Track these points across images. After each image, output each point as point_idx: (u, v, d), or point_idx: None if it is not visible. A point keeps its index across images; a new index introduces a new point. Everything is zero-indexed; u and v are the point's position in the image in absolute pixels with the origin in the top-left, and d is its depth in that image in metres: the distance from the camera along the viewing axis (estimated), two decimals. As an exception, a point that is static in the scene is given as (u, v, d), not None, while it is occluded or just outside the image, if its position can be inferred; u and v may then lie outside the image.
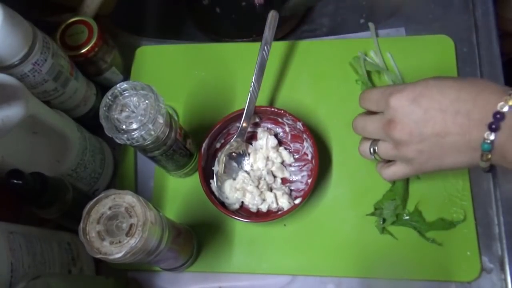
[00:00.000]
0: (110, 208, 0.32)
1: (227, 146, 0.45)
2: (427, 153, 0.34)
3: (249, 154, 0.47)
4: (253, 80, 0.45)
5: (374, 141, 0.37)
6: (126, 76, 0.54)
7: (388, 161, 0.38)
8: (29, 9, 0.49)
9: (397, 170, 0.37)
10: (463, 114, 0.31)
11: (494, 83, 0.32)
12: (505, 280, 0.41)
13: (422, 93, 0.33)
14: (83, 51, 0.46)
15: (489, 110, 0.30)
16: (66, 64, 0.43)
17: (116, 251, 0.30)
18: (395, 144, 0.34)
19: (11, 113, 0.35)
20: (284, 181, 0.47)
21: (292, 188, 0.46)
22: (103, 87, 0.51)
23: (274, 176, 0.46)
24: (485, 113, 0.30)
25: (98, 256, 0.30)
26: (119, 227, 0.31)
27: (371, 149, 0.37)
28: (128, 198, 0.32)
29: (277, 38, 0.54)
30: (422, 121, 0.33)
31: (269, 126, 0.48)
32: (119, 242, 0.31)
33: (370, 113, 0.37)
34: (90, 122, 0.47)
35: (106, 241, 0.31)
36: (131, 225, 0.31)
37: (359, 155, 0.46)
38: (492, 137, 0.30)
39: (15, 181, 0.34)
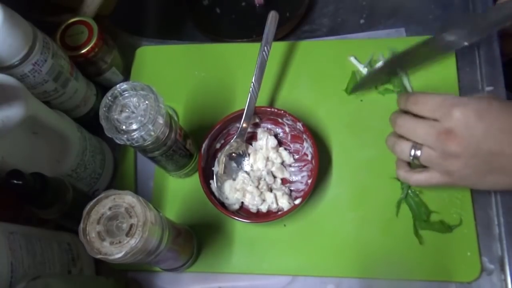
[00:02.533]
0: (110, 209, 0.32)
1: (227, 147, 0.45)
2: (472, 169, 0.34)
3: (249, 155, 0.47)
4: (253, 80, 0.45)
5: (417, 144, 0.36)
6: (126, 77, 0.54)
7: (409, 164, 0.38)
8: (29, 9, 0.49)
9: (430, 178, 0.37)
10: None
11: None
12: (505, 280, 0.41)
13: (486, 110, 0.33)
14: (83, 51, 0.46)
15: None
16: (66, 65, 0.43)
17: (116, 251, 0.30)
18: (444, 155, 0.34)
19: (11, 113, 0.35)
20: (284, 181, 0.47)
21: (292, 188, 0.46)
22: (103, 88, 0.51)
23: (274, 177, 0.46)
24: None
25: (98, 256, 0.30)
26: (119, 227, 0.31)
27: (412, 152, 0.36)
28: (128, 199, 0.32)
29: (277, 38, 0.54)
30: (481, 137, 0.33)
31: (269, 126, 0.48)
32: (119, 242, 0.31)
33: (412, 115, 0.37)
34: (90, 122, 0.47)
35: (106, 241, 0.31)
36: (131, 226, 0.31)
37: (359, 155, 0.47)
38: None
39: (15, 181, 0.34)
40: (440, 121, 0.34)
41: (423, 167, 0.37)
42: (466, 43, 0.42)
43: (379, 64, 0.47)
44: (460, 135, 0.33)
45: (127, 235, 0.31)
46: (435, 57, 0.46)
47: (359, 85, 0.47)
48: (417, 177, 0.38)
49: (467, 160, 0.33)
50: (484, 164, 0.33)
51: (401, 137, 0.38)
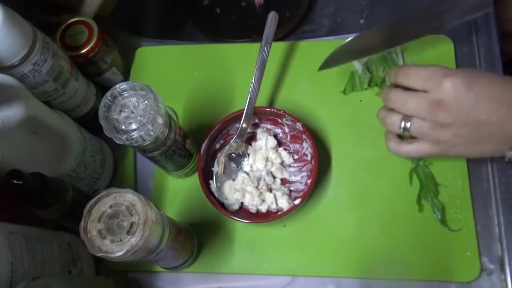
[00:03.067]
0: (111, 207, 0.32)
1: (227, 147, 0.45)
2: (461, 138, 0.35)
3: (248, 155, 0.47)
4: (253, 80, 0.45)
5: (407, 117, 0.37)
6: (126, 77, 0.54)
7: (399, 136, 0.38)
8: (29, 9, 0.49)
9: (420, 148, 0.37)
10: (506, 106, 0.33)
11: None
12: (505, 280, 0.41)
13: (475, 80, 0.34)
14: (83, 51, 0.46)
15: None
16: (66, 65, 0.43)
17: (117, 249, 0.30)
18: (434, 125, 0.35)
19: (11, 113, 0.35)
20: (283, 181, 0.47)
21: (291, 188, 0.46)
22: (103, 88, 0.51)
23: (274, 177, 0.46)
24: None
25: (99, 254, 0.30)
26: (120, 225, 0.31)
27: (402, 124, 0.37)
28: (129, 197, 0.32)
29: (277, 38, 0.54)
30: (471, 107, 0.33)
31: (269, 126, 0.48)
32: (120, 240, 0.31)
33: (404, 88, 0.37)
34: (90, 122, 0.47)
35: (107, 239, 0.31)
36: (132, 224, 0.31)
37: (358, 156, 0.47)
38: None
39: (15, 181, 0.34)
40: (430, 92, 0.35)
41: (413, 138, 0.38)
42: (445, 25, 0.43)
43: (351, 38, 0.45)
44: (450, 105, 0.34)
45: (128, 233, 0.31)
46: (419, 34, 0.45)
47: (328, 61, 0.45)
48: (407, 148, 0.38)
49: (456, 129, 0.34)
50: (473, 132, 0.34)
51: (392, 110, 0.38)
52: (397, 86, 0.39)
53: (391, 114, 0.38)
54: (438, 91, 0.34)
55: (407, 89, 0.37)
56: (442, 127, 0.35)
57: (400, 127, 0.38)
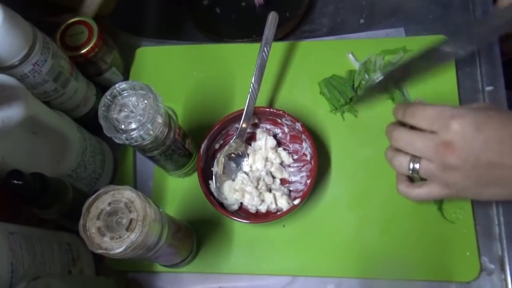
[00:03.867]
0: (109, 204, 0.32)
1: (226, 147, 0.45)
2: (472, 181, 0.34)
3: (248, 155, 0.47)
4: (253, 80, 0.45)
5: (415, 158, 0.36)
6: (126, 77, 0.54)
7: (409, 178, 0.37)
8: (29, 9, 0.49)
9: (431, 191, 0.36)
10: None
11: None
12: (505, 280, 0.41)
13: (484, 122, 0.33)
14: (83, 51, 0.46)
15: None
16: (66, 65, 0.43)
17: (117, 246, 0.31)
18: (443, 167, 0.34)
19: (11, 113, 0.35)
20: (283, 181, 0.47)
21: (291, 188, 0.46)
22: (103, 88, 0.51)
23: (273, 177, 0.46)
24: None
25: (99, 251, 0.30)
26: (119, 222, 0.31)
27: (411, 165, 0.36)
28: (127, 194, 0.32)
29: (277, 38, 0.54)
30: (480, 149, 0.32)
31: (268, 126, 0.48)
32: (120, 237, 0.31)
33: (409, 126, 0.36)
34: (90, 122, 0.47)
35: (107, 236, 0.31)
36: (131, 220, 0.31)
37: (358, 156, 0.47)
38: None
39: (15, 181, 0.34)
40: (438, 133, 0.34)
41: (423, 180, 0.37)
42: (462, 53, 0.41)
43: (376, 80, 0.45)
44: (458, 147, 0.33)
45: (127, 230, 0.31)
46: (433, 68, 0.45)
47: (358, 99, 0.46)
48: (418, 191, 0.37)
49: (466, 172, 0.33)
50: (484, 175, 0.33)
51: (398, 150, 0.37)
52: (402, 123, 0.37)
53: (399, 155, 0.37)
54: (445, 133, 0.33)
55: (413, 127, 0.36)
56: (451, 169, 0.33)
57: (409, 169, 0.36)
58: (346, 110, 0.48)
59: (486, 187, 0.34)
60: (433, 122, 0.34)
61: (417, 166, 0.36)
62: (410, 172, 0.36)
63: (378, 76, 0.47)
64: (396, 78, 0.43)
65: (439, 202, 0.43)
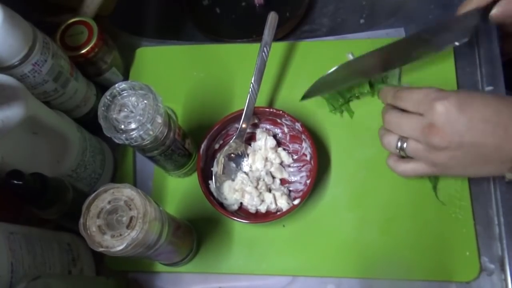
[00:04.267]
0: (109, 202, 0.32)
1: (226, 147, 0.45)
2: (457, 160, 0.34)
3: (248, 155, 0.47)
4: (253, 81, 0.45)
5: (403, 138, 0.37)
6: (126, 77, 0.54)
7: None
8: (29, 9, 0.49)
9: (417, 168, 0.38)
10: (501, 127, 0.32)
11: None
12: (505, 280, 0.41)
13: (467, 102, 0.33)
14: (83, 51, 0.46)
15: None
16: (66, 65, 0.43)
17: (118, 244, 0.31)
18: (429, 148, 0.35)
19: (11, 113, 0.35)
20: (283, 181, 0.47)
21: (291, 188, 0.46)
22: (103, 88, 0.51)
23: (273, 177, 0.46)
24: None
25: (100, 249, 0.30)
26: (119, 221, 0.31)
27: (399, 144, 0.38)
28: (127, 192, 0.32)
29: (277, 38, 0.54)
30: (464, 129, 0.33)
31: (268, 127, 0.48)
32: (120, 235, 0.31)
33: (400, 109, 0.37)
34: (90, 122, 0.47)
35: (107, 235, 0.31)
36: (131, 218, 0.31)
37: (358, 156, 0.47)
38: None
39: (15, 181, 0.34)
40: (424, 115, 0.35)
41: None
42: (456, 43, 0.44)
43: (333, 68, 0.44)
44: (442, 128, 0.34)
45: (127, 227, 0.31)
46: (420, 56, 0.46)
47: (311, 90, 0.46)
48: (404, 167, 0.39)
49: (452, 152, 0.34)
50: (469, 155, 0.34)
51: (389, 130, 0.39)
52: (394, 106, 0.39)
53: (388, 134, 0.39)
54: (430, 115, 0.34)
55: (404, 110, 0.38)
56: (437, 149, 0.35)
57: (397, 147, 0.38)
58: (345, 109, 0.48)
59: (471, 165, 0.35)
60: (419, 104, 0.36)
61: (404, 145, 0.37)
62: (398, 150, 0.38)
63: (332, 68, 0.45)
64: (360, 67, 0.45)
65: (434, 181, 0.44)
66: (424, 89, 0.36)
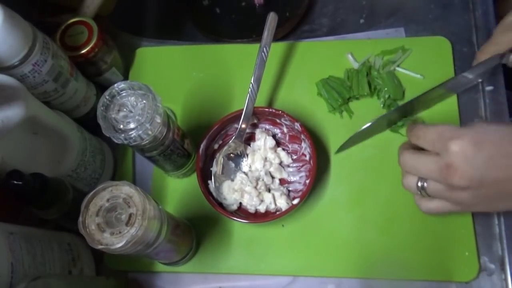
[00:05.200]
0: (108, 200, 0.32)
1: (225, 147, 0.46)
2: (481, 198, 0.33)
3: (247, 155, 0.47)
4: (252, 81, 0.45)
5: (423, 178, 0.36)
6: (126, 77, 0.54)
7: None
8: (29, 10, 0.49)
9: (441, 207, 0.36)
10: None
11: None
12: (505, 280, 0.41)
13: (483, 138, 0.32)
14: (83, 51, 0.46)
15: None
16: (66, 65, 0.43)
17: (117, 241, 0.31)
18: (450, 188, 0.34)
19: (11, 113, 0.35)
20: (282, 181, 0.47)
21: (290, 188, 0.46)
22: (103, 88, 0.50)
23: (272, 177, 0.46)
24: None
25: (99, 247, 0.31)
26: (118, 218, 0.31)
27: (419, 184, 0.36)
28: (125, 189, 0.32)
29: (277, 38, 0.54)
30: (484, 167, 0.32)
31: (267, 127, 0.48)
32: (120, 232, 0.31)
33: (417, 147, 0.36)
34: (90, 122, 0.47)
35: (107, 232, 0.31)
36: (130, 215, 0.31)
37: (357, 156, 0.47)
38: None
39: (15, 182, 0.34)
40: (440, 155, 0.34)
41: None
42: (480, 80, 0.45)
43: (368, 123, 0.45)
44: (460, 168, 0.32)
45: (127, 224, 0.31)
46: (441, 98, 0.47)
47: (347, 143, 0.46)
48: (428, 205, 0.37)
49: (474, 191, 0.33)
50: (493, 192, 0.33)
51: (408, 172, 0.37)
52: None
53: (407, 175, 0.37)
54: (447, 155, 0.33)
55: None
56: (458, 189, 0.33)
57: (418, 189, 0.36)
58: (344, 109, 0.48)
59: (497, 201, 0.34)
60: (434, 144, 0.34)
61: (425, 185, 0.36)
62: (419, 192, 0.36)
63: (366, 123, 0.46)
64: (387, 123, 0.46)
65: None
66: (439, 128, 0.34)
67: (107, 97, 0.36)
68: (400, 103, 0.48)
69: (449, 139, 0.33)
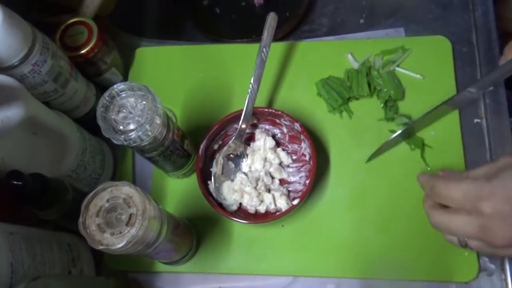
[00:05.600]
0: (108, 201, 0.32)
1: (225, 148, 0.46)
2: None
3: (247, 156, 0.47)
4: (252, 81, 0.45)
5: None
6: (126, 77, 0.54)
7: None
8: (29, 10, 0.50)
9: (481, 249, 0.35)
10: None
11: None
12: (505, 280, 0.41)
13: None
14: (82, 52, 0.46)
15: None
16: (65, 65, 0.43)
17: (118, 241, 0.31)
18: (493, 246, 0.32)
19: (11, 114, 0.35)
20: (282, 182, 0.47)
21: (290, 189, 0.46)
22: (103, 88, 0.51)
23: (272, 177, 0.46)
24: None
25: (100, 247, 0.31)
26: (118, 219, 0.31)
27: (461, 242, 0.35)
28: (125, 189, 0.32)
29: (277, 38, 0.54)
30: None
31: (267, 127, 0.48)
32: (120, 233, 0.31)
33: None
34: (90, 123, 0.47)
35: (107, 233, 0.31)
36: (130, 215, 0.31)
37: (357, 156, 0.47)
38: None
39: (15, 182, 0.34)
40: (473, 215, 0.32)
41: None
42: (482, 92, 0.44)
43: (395, 135, 0.46)
44: (500, 229, 0.31)
45: (127, 224, 0.31)
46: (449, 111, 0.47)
47: (376, 153, 0.46)
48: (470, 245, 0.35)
49: None
50: None
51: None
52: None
53: (447, 235, 0.36)
54: (480, 218, 0.31)
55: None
56: (500, 247, 0.32)
57: (461, 245, 0.35)
58: (344, 109, 0.48)
59: None
60: (462, 204, 0.33)
61: (467, 242, 0.35)
62: (460, 245, 0.36)
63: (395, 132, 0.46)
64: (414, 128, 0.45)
65: (421, 151, 0.45)
66: (462, 187, 0.32)
67: (106, 98, 0.36)
68: (400, 103, 0.48)
69: (478, 199, 0.31)
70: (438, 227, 0.35)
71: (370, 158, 0.46)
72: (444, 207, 0.35)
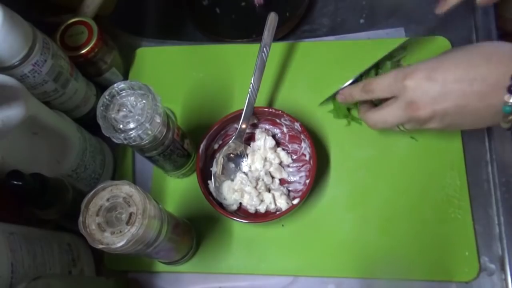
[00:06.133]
0: (108, 200, 0.32)
1: (225, 147, 0.46)
2: (449, 122, 0.35)
3: (247, 155, 0.47)
4: (252, 81, 0.45)
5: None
6: (126, 77, 0.54)
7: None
8: (29, 10, 0.49)
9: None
10: (479, 81, 0.32)
11: (500, 42, 0.33)
12: (505, 280, 0.41)
13: (435, 68, 0.33)
14: (83, 51, 0.46)
15: (505, 73, 0.31)
16: (66, 65, 0.43)
17: (118, 240, 0.31)
18: (420, 123, 0.35)
19: (11, 114, 0.35)
20: (282, 181, 0.47)
21: (290, 188, 0.46)
22: (103, 88, 0.50)
23: (272, 177, 0.46)
24: (501, 76, 0.31)
25: (100, 246, 0.31)
26: (118, 218, 0.31)
27: (398, 127, 0.38)
28: (125, 188, 0.32)
29: (277, 38, 0.54)
30: (441, 96, 0.33)
31: (267, 127, 0.48)
32: (120, 232, 0.31)
33: (374, 104, 0.37)
34: (90, 122, 0.47)
35: (107, 232, 0.31)
36: (130, 214, 0.31)
37: (357, 155, 0.47)
38: None
39: (15, 182, 0.34)
40: (399, 96, 0.35)
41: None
42: None
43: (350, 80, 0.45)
44: (421, 102, 0.34)
45: (127, 224, 0.31)
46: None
47: (330, 98, 0.47)
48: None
49: (440, 118, 0.34)
50: (457, 116, 0.34)
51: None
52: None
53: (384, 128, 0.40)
54: (405, 94, 0.34)
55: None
56: (426, 121, 0.35)
57: (399, 129, 0.39)
58: (352, 119, 0.48)
59: (465, 123, 0.35)
60: (391, 88, 0.36)
61: (402, 128, 0.38)
62: (398, 129, 0.39)
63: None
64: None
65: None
66: (391, 72, 0.36)
67: (107, 97, 0.36)
68: None
69: (404, 77, 0.34)
70: (376, 125, 0.38)
71: (323, 102, 0.47)
72: (376, 108, 0.38)
